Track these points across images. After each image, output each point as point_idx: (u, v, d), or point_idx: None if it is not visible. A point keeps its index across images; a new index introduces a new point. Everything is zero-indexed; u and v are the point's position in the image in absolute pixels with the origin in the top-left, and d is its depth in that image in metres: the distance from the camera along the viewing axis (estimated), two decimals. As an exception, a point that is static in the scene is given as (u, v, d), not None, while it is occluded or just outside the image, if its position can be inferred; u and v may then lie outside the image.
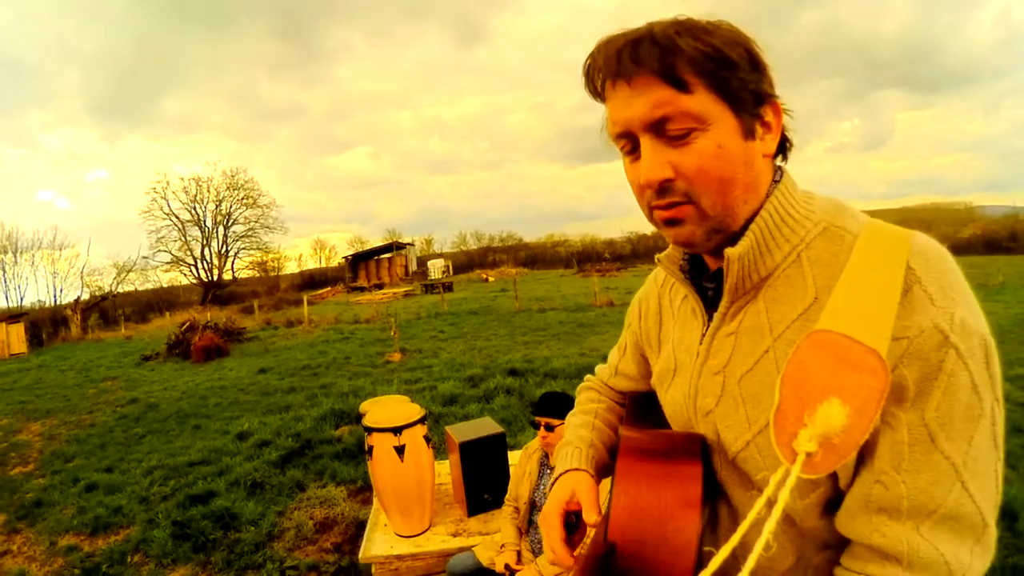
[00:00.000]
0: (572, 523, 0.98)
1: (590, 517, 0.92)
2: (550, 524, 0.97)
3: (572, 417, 1.22)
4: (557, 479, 1.04)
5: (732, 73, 0.76)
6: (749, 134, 0.78)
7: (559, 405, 2.56)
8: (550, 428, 2.58)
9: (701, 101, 0.75)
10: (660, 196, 0.79)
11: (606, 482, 1.01)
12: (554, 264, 51.85)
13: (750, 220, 0.81)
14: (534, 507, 2.70)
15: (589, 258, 49.80)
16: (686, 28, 0.76)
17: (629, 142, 0.81)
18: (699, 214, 0.79)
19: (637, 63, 0.75)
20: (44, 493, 5.40)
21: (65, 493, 5.34)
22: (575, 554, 0.94)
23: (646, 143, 0.78)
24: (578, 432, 1.14)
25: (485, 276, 40.80)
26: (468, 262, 55.79)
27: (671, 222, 0.81)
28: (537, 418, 2.64)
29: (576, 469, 1.04)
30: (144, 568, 3.80)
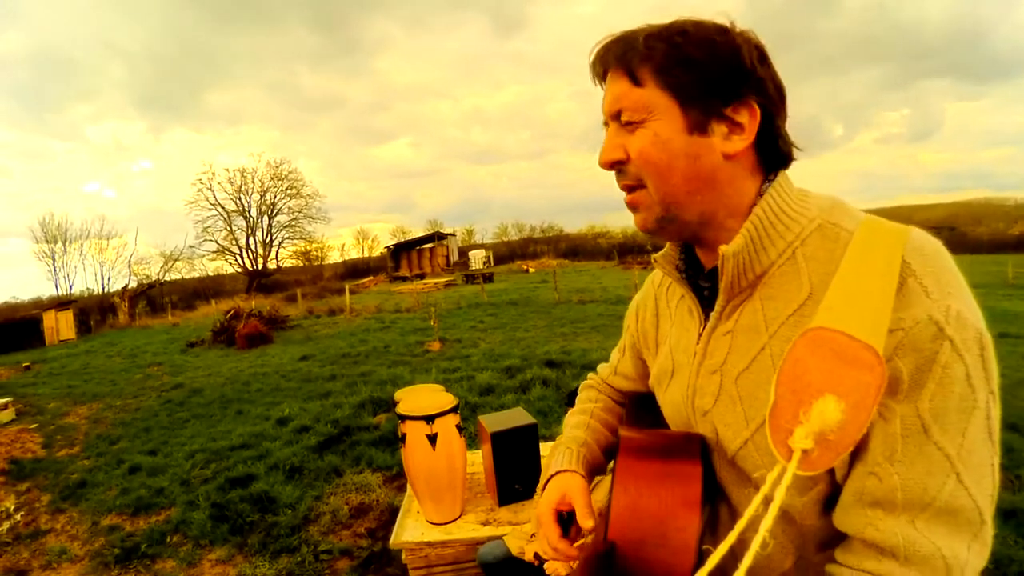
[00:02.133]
0: (565, 520, 0.99)
1: (584, 521, 0.94)
2: (545, 524, 0.99)
3: (569, 417, 1.25)
4: (549, 480, 1.06)
5: (687, 70, 0.79)
6: (697, 129, 0.81)
7: None
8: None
9: (649, 94, 0.81)
10: (619, 177, 0.88)
11: (605, 483, 1.01)
12: (595, 256, 51.52)
13: (711, 215, 0.85)
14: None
15: (631, 250, 49.23)
16: (663, 29, 0.82)
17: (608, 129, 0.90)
18: (649, 199, 0.85)
19: (605, 62, 0.86)
20: (89, 474, 5.55)
21: (109, 474, 5.49)
22: (575, 545, 0.96)
23: (609, 129, 0.88)
24: (572, 432, 1.17)
25: (526, 267, 40.87)
26: (509, 253, 56.08)
27: (631, 207, 0.89)
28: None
29: (567, 471, 1.06)
30: (182, 548, 3.88)
